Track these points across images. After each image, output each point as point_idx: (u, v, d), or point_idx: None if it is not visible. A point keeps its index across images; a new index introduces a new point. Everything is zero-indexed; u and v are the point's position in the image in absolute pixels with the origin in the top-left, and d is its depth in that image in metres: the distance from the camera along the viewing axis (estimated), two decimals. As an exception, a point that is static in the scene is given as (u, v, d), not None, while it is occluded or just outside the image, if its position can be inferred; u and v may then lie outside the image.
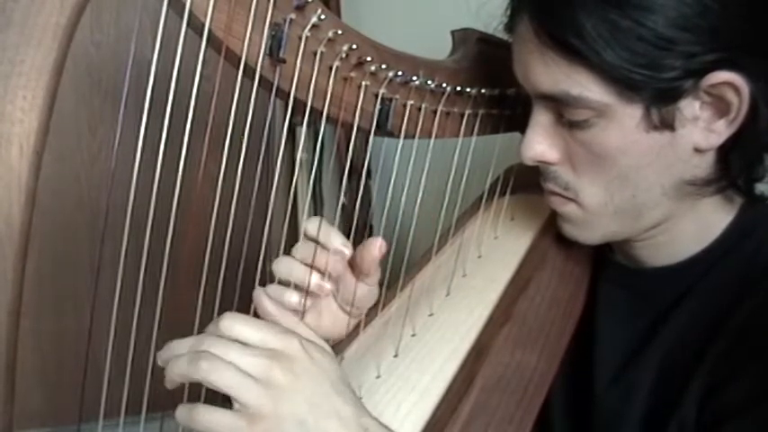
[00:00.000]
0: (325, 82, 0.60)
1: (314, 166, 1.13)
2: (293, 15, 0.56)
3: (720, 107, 0.55)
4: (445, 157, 0.70)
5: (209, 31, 0.52)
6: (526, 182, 0.76)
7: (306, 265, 0.59)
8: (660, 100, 0.54)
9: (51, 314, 1.44)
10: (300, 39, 0.57)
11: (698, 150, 0.57)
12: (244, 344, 0.48)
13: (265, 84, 0.57)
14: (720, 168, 0.59)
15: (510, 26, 0.62)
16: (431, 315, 0.68)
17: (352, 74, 0.61)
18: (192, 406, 0.47)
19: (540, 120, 0.61)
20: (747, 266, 0.61)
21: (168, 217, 0.50)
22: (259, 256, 0.58)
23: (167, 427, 0.55)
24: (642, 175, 0.58)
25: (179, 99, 0.50)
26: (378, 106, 0.64)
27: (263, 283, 0.62)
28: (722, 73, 0.53)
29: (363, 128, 0.64)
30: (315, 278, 0.59)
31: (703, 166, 0.59)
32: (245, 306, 0.56)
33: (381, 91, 0.63)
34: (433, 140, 0.69)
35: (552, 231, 0.72)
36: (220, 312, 0.54)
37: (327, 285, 0.60)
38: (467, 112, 0.70)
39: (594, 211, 0.62)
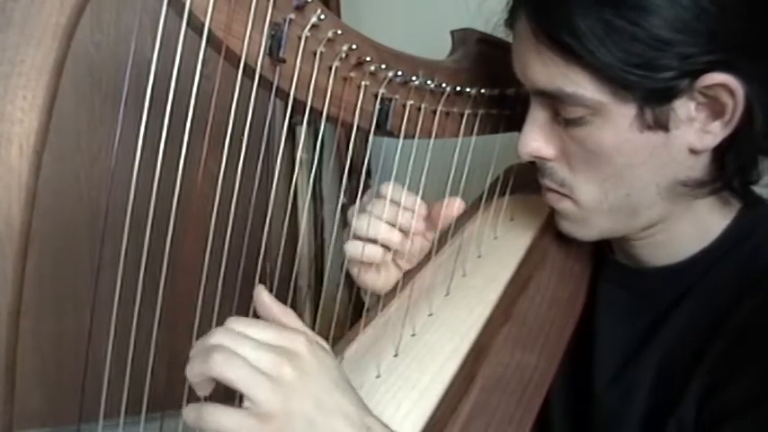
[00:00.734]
0: (325, 82, 0.60)
1: (314, 166, 1.13)
2: (293, 15, 0.56)
3: (715, 109, 0.55)
4: (445, 157, 0.70)
5: (209, 30, 0.52)
6: (526, 181, 0.76)
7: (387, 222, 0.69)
8: (654, 100, 0.55)
9: (51, 314, 1.44)
10: (300, 39, 0.57)
11: (693, 151, 0.58)
12: (252, 339, 0.48)
13: (265, 83, 0.57)
14: (715, 170, 0.59)
15: (510, 22, 0.63)
16: (431, 315, 0.68)
17: (352, 74, 0.61)
18: (200, 405, 0.46)
19: (537, 116, 0.62)
20: (747, 267, 0.61)
21: (168, 216, 0.50)
22: (259, 255, 0.58)
23: (167, 427, 0.55)
24: (636, 175, 0.59)
25: (179, 99, 0.50)
26: (377, 106, 0.64)
27: (262, 281, 0.62)
28: (717, 74, 0.53)
29: (363, 127, 0.64)
30: (398, 237, 0.70)
31: (698, 167, 0.59)
32: (246, 305, 0.56)
33: (381, 91, 0.63)
34: (432, 140, 0.69)
35: (552, 231, 0.72)
36: (220, 311, 0.54)
37: (407, 244, 0.70)
38: (466, 111, 0.70)
39: (590, 209, 0.62)
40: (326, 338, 0.54)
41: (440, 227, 0.71)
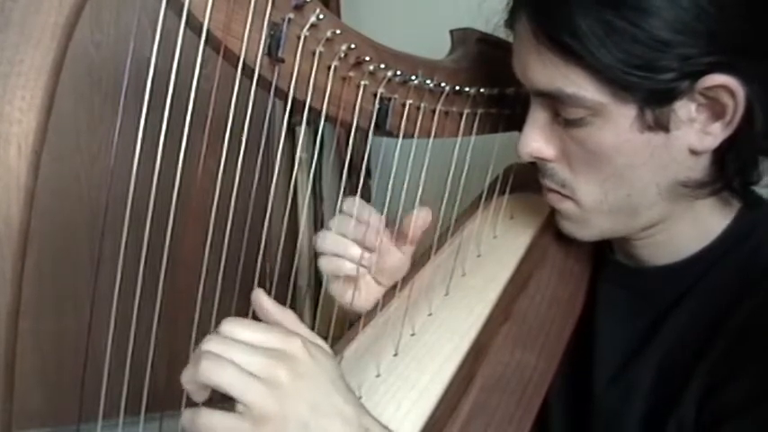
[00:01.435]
0: (324, 81, 0.60)
1: (313, 165, 1.13)
2: (292, 15, 0.56)
3: (716, 110, 0.55)
4: (444, 157, 0.70)
5: (208, 30, 0.52)
6: (525, 181, 0.76)
7: (352, 239, 0.68)
8: (654, 101, 0.55)
9: (51, 314, 1.44)
10: (299, 38, 0.57)
11: (693, 152, 0.58)
12: (244, 344, 0.48)
13: (264, 83, 0.57)
14: (715, 171, 0.59)
15: (510, 23, 0.63)
16: (430, 314, 0.68)
17: (351, 73, 0.61)
18: (195, 410, 0.46)
19: (537, 117, 0.62)
20: (747, 267, 0.61)
21: (168, 215, 0.50)
22: (258, 253, 0.58)
23: (167, 426, 0.55)
24: (637, 175, 0.59)
25: (178, 98, 0.50)
26: (377, 105, 0.64)
27: (262, 280, 0.62)
28: (718, 76, 0.53)
29: (362, 127, 0.64)
30: (358, 251, 0.68)
31: (698, 168, 0.59)
32: (245, 303, 0.56)
33: (380, 90, 0.63)
34: (432, 140, 0.69)
35: (552, 230, 0.72)
36: (220, 309, 0.54)
37: (373, 259, 0.69)
38: (466, 111, 0.70)
39: (590, 209, 0.62)
40: (326, 337, 0.54)
41: (412, 239, 0.70)
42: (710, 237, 0.63)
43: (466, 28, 0.74)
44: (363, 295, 0.72)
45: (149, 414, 0.54)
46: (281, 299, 0.64)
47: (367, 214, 0.69)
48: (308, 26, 0.57)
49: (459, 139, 0.71)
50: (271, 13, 0.55)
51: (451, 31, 0.75)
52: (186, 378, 0.47)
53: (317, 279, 1.36)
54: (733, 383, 0.56)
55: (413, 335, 0.66)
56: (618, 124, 0.56)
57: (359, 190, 0.70)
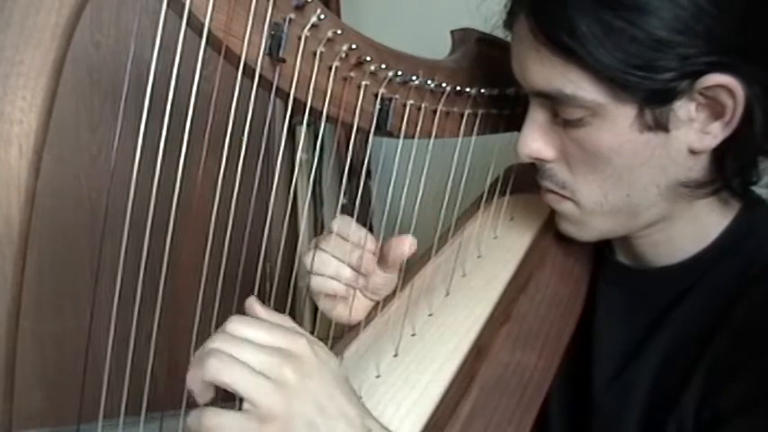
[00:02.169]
0: (325, 82, 0.60)
1: (314, 166, 1.13)
2: (293, 15, 0.56)
3: (715, 109, 0.55)
4: (445, 157, 0.70)
5: (209, 30, 0.52)
6: (526, 182, 0.76)
7: (340, 260, 0.67)
8: (654, 101, 0.55)
9: (51, 314, 1.44)
10: (300, 38, 0.57)
11: (692, 152, 0.58)
12: (251, 342, 0.47)
13: (265, 84, 0.57)
14: (715, 170, 0.59)
15: (509, 23, 0.63)
16: (430, 315, 0.68)
17: (352, 74, 0.61)
18: (202, 410, 0.46)
19: (536, 117, 0.62)
20: (746, 267, 0.61)
21: (168, 217, 0.50)
22: (259, 255, 0.58)
23: (167, 427, 0.55)
24: (636, 175, 0.59)
25: (179, 99, 0.50)
26: (377, 106, 0.64)
27: (262, 283, 0.62)
28: (717, 75, 0.53)
29: (363, 128, 0.64)
30: (349, 273, 0.67)
31: (698, 167, 0.59)
32: (245, 305, 0.56)
33: (381, 91, 0.63)
34: (432, 140, 0.69)
35: (552, 231, 0.72)
36: (220, 312, 0.53)
37: (361, 280, 0.68)
38: (466, 111, 0.70)
39: (590, 210, 0.62)
40: (326, 338, 0.54)
41: (392, 265, 0.68)
42: (710, 237, 0.63)
43: (466, 28, 0.74)
44: (353, 312, 0.71)
45: (149, 414, 0.54)
46: (281, 301, 0.64)
47: (360, 237, 0.67)
48: (308, 26, 0.57)
49: (460, 139, 0.71)
50: (272, 14, 0.55)
51: (452, 32, 0.75)
52: (192, 377, 0.46)
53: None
54: (732, 383, 0.56)
55: (413, 335, 0.66)
56: (617, 124, 0.56)
57: (359, 191, 0.70)
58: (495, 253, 0.75)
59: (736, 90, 0.54)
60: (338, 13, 1.29)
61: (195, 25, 0.52)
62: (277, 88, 0.57)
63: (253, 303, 0.53)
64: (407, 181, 0.68)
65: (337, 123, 0.62)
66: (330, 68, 0.60)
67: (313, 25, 0.57)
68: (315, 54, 0.58)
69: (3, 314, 0.47)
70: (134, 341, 0.50)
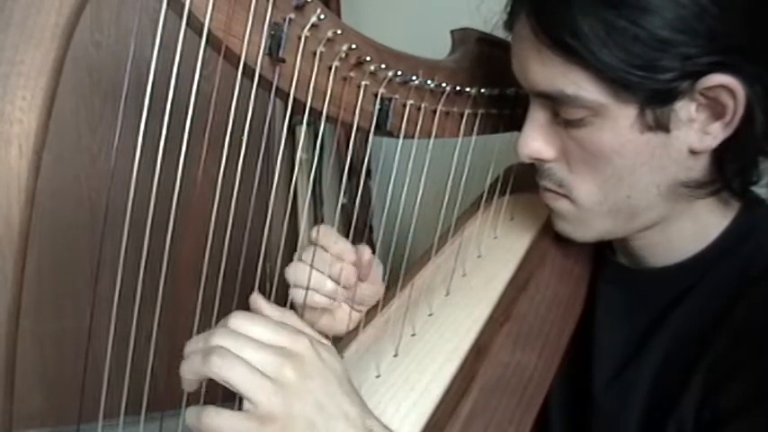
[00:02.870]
0: (325, 82, 0.60)
1: (314, 166, 1.13)
2: (293, 15, 0.56)
3: (716, 110, 0.55)
4: (445, 157, 0.70)
5: (209, 30, 0.52)
6: (526, 182, 0.76)
7: (321, 272, 0.66)
8: (655, 101, 0.55)
9: (51, 314, 1.44)
10: (300, 38, 0.57)
11: (693, 152, 0.58)
12: (254, 341, 0.47)
13: (265, 83, 0.57)
14: (715, 171, 0.59)
15: (509, 24, 0.63)
16: (430, 315, 0.68)
17: (352, 73, 0.61)
18: (201, 408, 0.46)
19: (537, 117, 0.62)
20: (746, 267, 0.61)
21: (168, 217, 0.50)
22: (259, 255, 0.58)
23: (167, 427, 0.55)
24: (636, 176, 0.59)
25: (179, 98, 0.50)
26: (377, 106, 0.64)
27: (262, 283, 0.62)
28: (718, 76, 0.53)
29: (363, 127, 0.64)
30: (330, 286, 0.66)
31: (698, 168, 0.59)
32: (245, 306, 0.56)
33: (381, 90, 0.63)
34: (432, 140, 0.69)
35: (552, 231, 0.72)
36: (220, 311, 0.53)
37: (342, 292, 0.67)
38: (466, 111, 0.70)
39: (588, 209, 0.62)
40: (326, 338, 0.54)
41: (362, 274, 0.68)
42: (710, 237, 0.63)
43: (466, 28, 0.74)
44: (339, 322, 0.70)
45: (149, 414, 0.54)
46: (281, 301, 0.64)
47: (339, 247, 0.66)
48: (308, 26, 0.57)
49: (460, 139, 0.71)
50: (272, 14, 0.55)
51: (452, 31, 0.75)
52: (193, 370, 0.46)
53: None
54: (732, 383, 0.56)
55: (413, 335, 0.66)
56: (618, 124, 0.56)
57: (359, 191, 0.70)
58: (495, 253, 0.75)
59: (737, 90, 0.54)
60: (338, 13, 1.29)
61: (195, 25, 0.52)
62: (277, 88, 0.57)
63: (258, 299, 0.53)
64: (407, 181, 0.69)
65: (337, 123, 0.62)
66: (330, 68, 0.60)
67: (313, 25, 0.57)
68: (315, 54, 0.58)
69: (3, 314, 0.47)
70: (134, 341, 0.50)
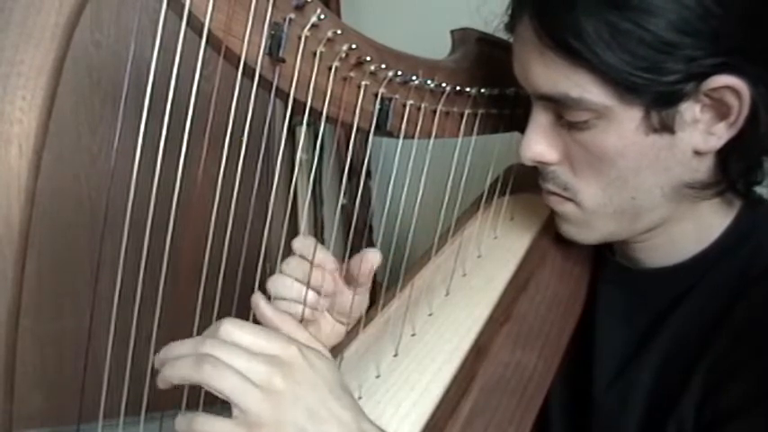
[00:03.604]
0: (325, 82, 0.60)
1: (314, 166, 1.13)
2: (293, 15, 0.56)
3: (721, 110, 0.55)
4: (445, 157, 0.70)
5: (209, 30, 0.52)
6: (526, 181, 0.76)
7: (301, 282, 0.64)
8: (660, 103, 0.54)
9: (51, 314, 1.44)
10: (300, 38, 0.57)
11: (697, 153, 0.57)
12: (244, 349, 0.48)
13: (265, 84, 0.57)
14: (720, 171, 0.59)
15: (510, 26, 0.62)
16: (430, 315, 0.68)
17: (352, 74, 0.61)
18: (192, 415, 0.46)
19: (540, 120, 0.61)
20: (746, 267, 0.61)
21: (168, 217, 0.50)
22: (259, 255, 0.58)
23: (167, 427, 0.55)
24: (641, 178, 0.58)
25: (179, 99, 0.50)
26: (377, 106, 0.64)
27: (262, 283, 0.62)
28: (723, 77, 0.53)
29: (363, 128, 0.64)
30: (311, 296, 0.64)
31: (702, 169, 0.59)
32: (245, 306, 0.56)
33: (381, 91, 0.63)
34: (432, 140, 0.69)
35: (552, 231, 0.72)
36: (220, 312, 0.53)
37: (323, 302, 0.65)
38: (466, 111, 0.70)
39: (593, 212, 0.62)
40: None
41: (362, 283, 0.66)
42: (711, 237, 0.63)
43: (466, 28, 0.74)
44: (324, 334, 0.69)
45: (149, 414, 0.54)
46: (281, 299, 0.64)
47: (319, 256, 0.65)
48: (308, 26, 0.57)
49: (460, 139, 0.71)
50: (272, 14, 0.55)
51: (452, 31, 0.75)
52: (179, 373, 0.47)
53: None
54: (733, 384, 0.56)
55: (413, 335, 0.66)
56: (623, 127, 0.56)
57: (359, 191, 0.70)
58: (495, 253, 0.75)
59: (741, 91, 0.54)
60: (338, 13, 1.29)
61: (195, 25, 0.52)
62: (277, 88, 0.57)
63: (259, 301, 0.53)
64: (407, 181, 0.68)
65: (337, 123, 0.62)
66: (330, 68, 0.60)
67: (313, 25, 0.57)
68: (315, 54, 0.58)
69: (3, 314, 0.47)
70: (134, 341, 0.50)
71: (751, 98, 0.54)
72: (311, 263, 0.64)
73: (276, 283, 0.64)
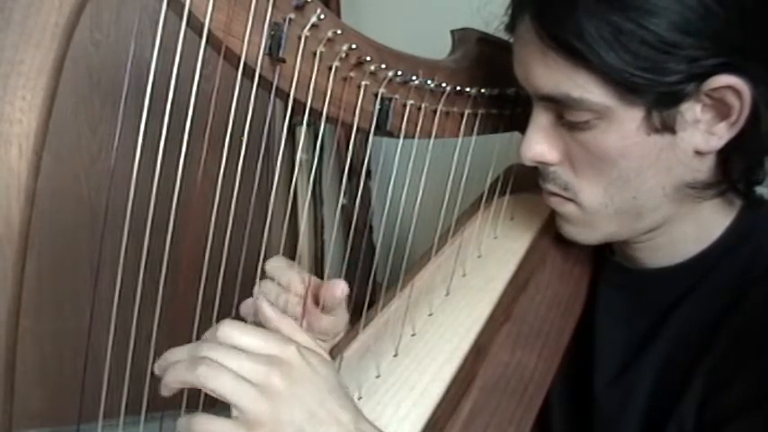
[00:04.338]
0: (325, 82, 0.60)
1: (314, 166, 1.13)
2: (293, 15, 0.56)
3: (722, 110, 0.55)
4: (445, 157, 0.70)
5: (209, 30, 0.52)
6: (526, 181, 0.76)
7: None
8: (661, 103, 0.54)
9: (51, 314, 1.44)
10: (300, 38, 0.57)
11: (698, 153, 0.57)
12: (242, 351, 0.48)
13: (265, 84, 0.57)
14: (721, 171, 0.59)
15: (511, 26, 0.62)
16: (430, 315, 0.68)
17: (352, 74, 0.61)
18: (191, 416, 0.47)
19: (541, 120, 0.61)
20: (747, 267, 0.61)
21: (168, 217, 0.50)
22: (259, 255, 0.58)
23: (167, 427, 0.55)
24: (642, 178, 0.58)
25: (179, 98, 0.50)
26: (377, 106, 0.64)
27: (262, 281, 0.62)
28: (724, 77, 0.53)
29: (363, 128, 0.64)
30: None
31: (704, 169, 0.59)
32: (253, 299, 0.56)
33: (381, 91, 0.63)
34: (432, 140, 0.69)
35: (552, 231, 0.72)
36: (220, 311, 0.54)
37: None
38: (466, 111, 0.70)
39: (594, 212, 0.62)
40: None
41: (329, 309, 0.64)
42: (711, 237, 0.63)
43: (466, 28, 0.74)
44: None
45: (149, 414, 0.54)
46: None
47: (287, 279, 0.64)
48: (308, 26, 0.57)
49: (460, 139, 0.71)
50: (272, 14, 0.55)
51: (452, 31, 0.75)
52: (176, 377, 0.47)
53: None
54: (734, 384, 0.56)
55: (413, 335, 0.66)
56: (624, 127, 0.56)
57: (359, 191, 0.70)
58: (495, 253, 0.75)
59: (742, 91, 0.54)
60: (338, 13, 1.29)
61: (195, 25, 0.52)
62: (277, 88, 0.57)
63: (262, 301, 0.54)
64: (407, 181, 0.68)
65: (337, 123, 0.62)
66: (330, 68, 0.60)
67: (313, 25, 0.57)
68: (315, 54, 0.58)
69: (3, 314, 0.47)
70: (134, 341, 0.50)
71: (752, 98, 0.54)
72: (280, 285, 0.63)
73: (246, 305, 0.62)
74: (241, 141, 0.53)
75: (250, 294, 0.60)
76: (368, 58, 0.61)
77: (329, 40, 0.59)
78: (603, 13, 0.52)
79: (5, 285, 0.47)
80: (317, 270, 1.39)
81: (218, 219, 0.53)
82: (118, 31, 1.42)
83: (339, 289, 0.63)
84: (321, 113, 0.61)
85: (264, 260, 0.61)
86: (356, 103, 0.62)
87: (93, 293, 1.36)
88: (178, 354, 0.49)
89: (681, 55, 0.52)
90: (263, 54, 0.56)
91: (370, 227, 1.19)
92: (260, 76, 0.56)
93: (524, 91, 0.62)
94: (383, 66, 0.63)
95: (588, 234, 0.65)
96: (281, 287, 0.64)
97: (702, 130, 0.56)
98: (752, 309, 0.58)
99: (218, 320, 0.51)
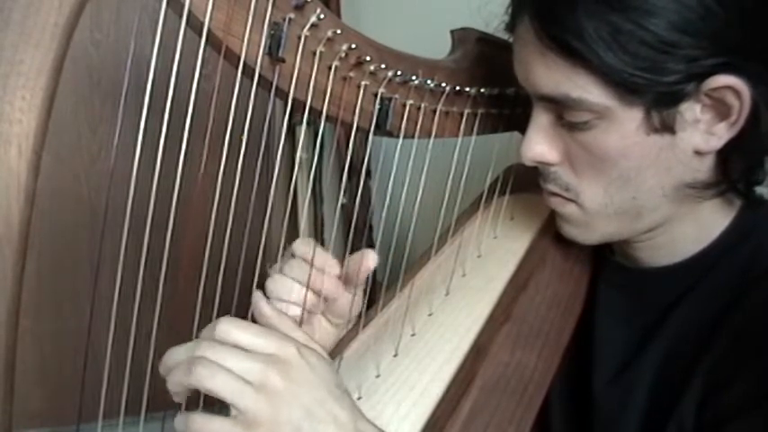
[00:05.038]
0: (325, 81, 0.60)
1: (313, 166, 1.13)
2: (292, 15, 0.56)
3: (721, 110, 0.55)
4: (445, 157, 0.70)
5: (209, 30, 0.52)
6: (526, 181, 0.76)
7: (301, 284, 0.62)
8: (661, 103, 0.54)
9: (51, 314, 1.44)
10: (300, 38, 0.57)
11: (698, 153, 0.57)
12: (240, 349, 0.48)
13: (265, 83, 0.57)
14: (720, 171, 0.59)
15: (511, 26, 0.62)
16: (430, 315, 0.68)
17: (352, 73, 0.61)
18: (189, 415, 0.47)
19: (540, 120, 0.61)
20: (746, 267, 0.61)
21: (168, 216, 0.50)
22: (258, 254, 0.58)
23: (167, 427, 0.55)
24: (642, 178, 0.58)
25: (179, 98, 0.50)
26: (377, 105, 0.64)
27: (262, 282, 0.62)
28: (724, 77, 0.53)
29: (363, 127, 0.64)
30: (311, 299, 0.62)
31: (703, 169, 0.59)
32: (245, 305, 0.56)
33: (381, 90, 0.63)
34: (432, 140, 0.69)
35: (552, 231, 0.72)
36: (220, 310, 0.54)
37: (321, 305, 0.64)
38: (466, 111, 0.70)
39: (594, 212, 0.62)
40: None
41: (359, 283, 0.64)
42: (711, 237, 0.63)
43: (466, 28, 0.74)
44: (319, 337, 0.67)
45: (149, 414, 0.54)
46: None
47: (320, 259, 0.62)
48: (308, 26, 0.57)
49: (460, 139, 0.71)
50: (271, 13, 0.55)
51: (452, 31, 0.75)
52: (177, 381, 0.47)
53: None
54: (734, 384, 0.56)
55: (413, 335, 0.66)
56: (624, 127, 0.56)
57: (359, 190, 0.70)
58: (495, 253, 0.75)
59: (742, 91, 0.54)
60: (338, 13, 1.29)
61: (195, 25, 0.52)
62: (277, 88, 0.57)
63: (260, 300, 0.53)
64: (407, 180, 0.69)
65: (337, 123, 0.62)
66: (330, 68, 0.60)
67: (313, 25, 0.57)
68: (314, 54, 0.58)
69: (3, 314, 0.47)
70: (134, 340, 0.50)
71: (751, 98, 0.54)
72: (311, 265, 0.62)
73: (276, 285, 0.63)
74: (241, 140, 0.53)
75: (250, 292, 0.60)
76: (368, 58, 0.61)
77: (329, 39, 0.59)
78: (603, 13, 0.52)
79: (5, 285, 0.47)
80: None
81: (218, 217, 0.53)
82: (118, 30, 1.42)
83: (371, 259, 0.62)
84: (321, 113, 0.61)
85: (264, 259, 0.60)
86: (356, 103, 0.62)
87: (93, 292, 1.36)
88: (177, 354, 0.49)
89: (680, 55, 0.52)
90: (263, 53, 0.56)
91: (370, 226, 1.19)
92: (260, 76, 0.56)
93: (524, 91, 0.62)
94: (383, 65, 0.63)
95: (588, 234, 0.65)
96: (314, 268, 0.62)
97: (702, 130, 0.56)
98: (752, 308, 0.58)
99: (217, 318, 0.51)
